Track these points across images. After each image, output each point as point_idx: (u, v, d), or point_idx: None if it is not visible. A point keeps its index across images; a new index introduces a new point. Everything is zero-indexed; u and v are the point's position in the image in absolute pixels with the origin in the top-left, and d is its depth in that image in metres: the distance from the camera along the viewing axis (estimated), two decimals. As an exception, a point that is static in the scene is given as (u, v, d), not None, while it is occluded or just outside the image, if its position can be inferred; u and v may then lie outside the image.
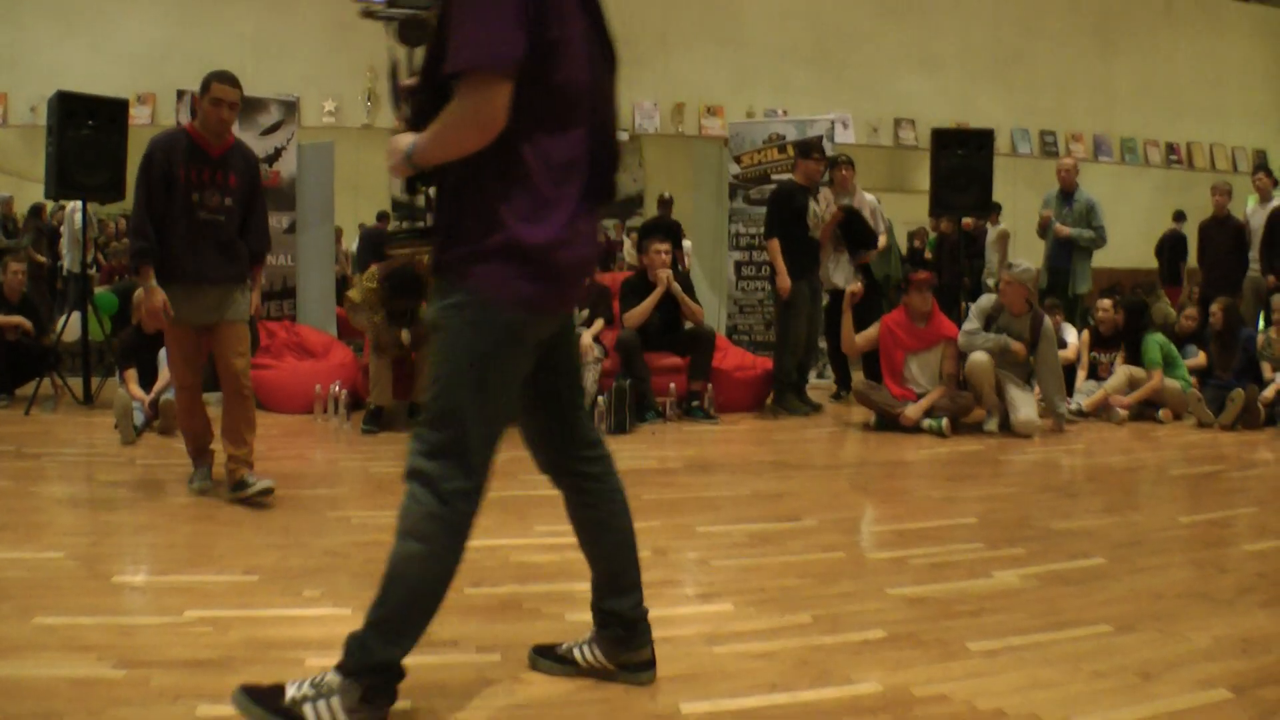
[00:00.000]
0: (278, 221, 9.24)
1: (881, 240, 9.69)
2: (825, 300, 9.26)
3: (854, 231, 9.27)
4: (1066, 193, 10.25)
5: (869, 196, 9.70)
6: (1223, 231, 10.87)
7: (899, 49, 14.46)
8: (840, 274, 9.28)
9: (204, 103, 5.29)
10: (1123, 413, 8.59)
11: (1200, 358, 9.27)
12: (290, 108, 9.80)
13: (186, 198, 5.21)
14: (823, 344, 9.98)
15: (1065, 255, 10.17)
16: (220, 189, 5.31)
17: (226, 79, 5.31)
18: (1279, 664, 3.24)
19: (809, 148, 9.34)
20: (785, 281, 8.63)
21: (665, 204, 12.70)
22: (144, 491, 5.60)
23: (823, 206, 9.13)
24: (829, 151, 10.18)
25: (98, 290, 10.13)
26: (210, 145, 5.30)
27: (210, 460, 5.58)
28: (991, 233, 11.77)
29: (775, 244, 8.73)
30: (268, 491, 5.16)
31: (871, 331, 8.33)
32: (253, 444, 5.37)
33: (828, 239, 9.13)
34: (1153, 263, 14.62)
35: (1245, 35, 17.05)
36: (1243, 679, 3.10)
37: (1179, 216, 14.41)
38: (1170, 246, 14.20)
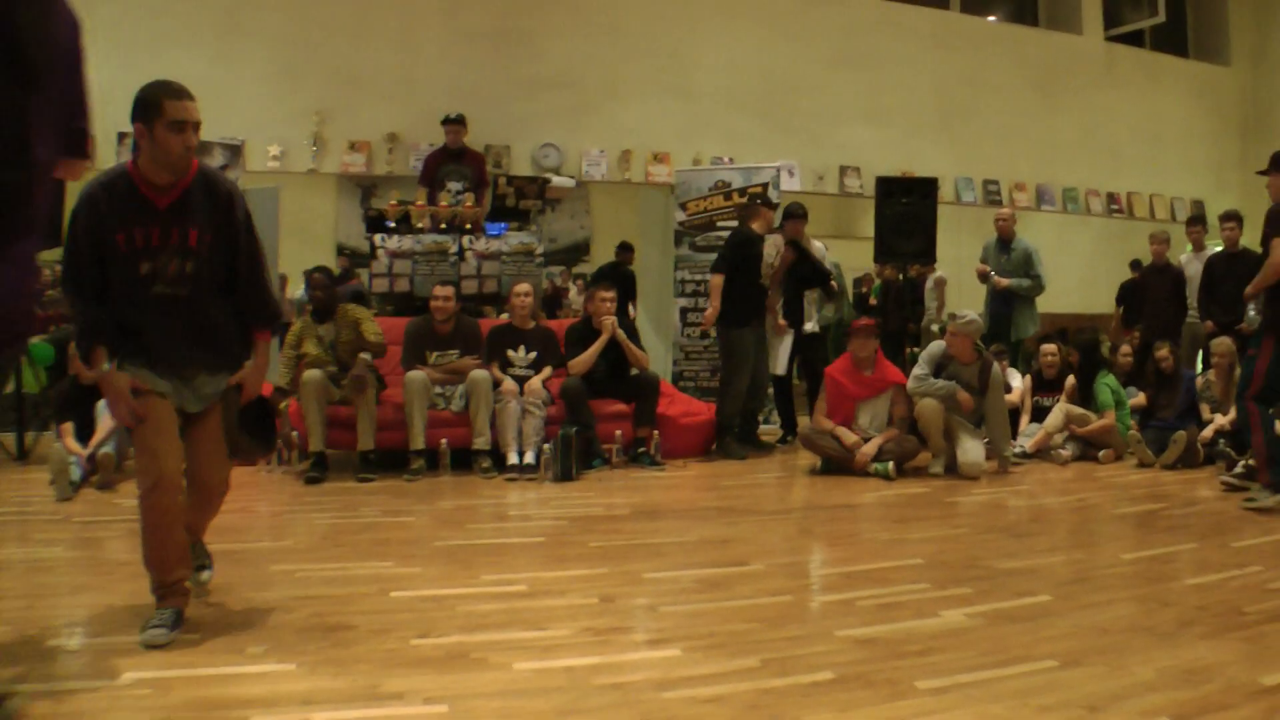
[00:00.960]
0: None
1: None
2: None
3: (803, 272, 9.36)
4: (1004, 241, 10.40)
5: (817, 244, 9.78)
6: (1162, 279, 11.06)
7: (845, 100, 14.61)
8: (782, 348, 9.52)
9: (157, 129, 3.94)
10: (1065, 454, 8.66)
11: (1140, 398, 9.38)
12: (235, 152, 9.76)
13: (132, 269, 3.86)
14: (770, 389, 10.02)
15: (1006, 302, 10.32)
16: (178, 252, 3.91)
17: (178, 92, 4.11)
18: (1220, 693, 3.28)
19: (767, 197, 9.46)
20: (711, 314, 8.78)
21: (624, 251, 12.75)
22: (81, 550, 5.45)
23: (772, 252, 9.22)
24: (775, 199, 10.28)
25: (32, 341, 9.96)
26: (157, 194, 3.90)
27: (182, 601, 3.98)
28: (929, 279, 11.88)
29: (719, 279, 8.82)
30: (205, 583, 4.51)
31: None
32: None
33: (777, 283, 9.21)
34: (1096, 308, 14.84)
35: (1183, 92, 17.44)
36: (1186, 709, 3.14)
37: (1136, 265, 14.69)
38: (1131, 293, 14.48)
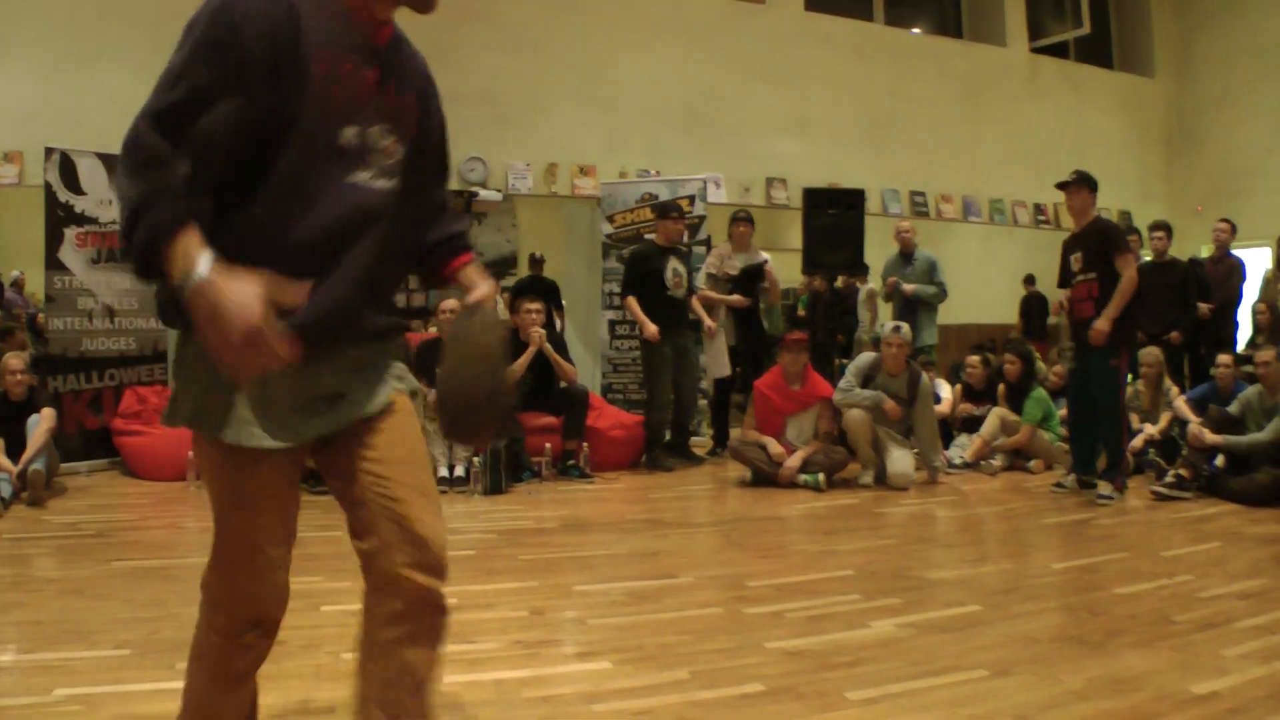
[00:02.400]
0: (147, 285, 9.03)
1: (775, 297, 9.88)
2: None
3: (749, 289, 9.42)
4: (906, 254, 10.54)
5: (763, 254, 9.81)
6: (1089, 290, 11.16)
7: (770, 112, 14.67)
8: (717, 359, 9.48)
9: None
10: (995, 464, 8.72)
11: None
12: (165, 169, 9.61)
13: (326, 133, 2.10)
14: (703, 401, 10.02)
15: (911, 311, 10.40)
16: (394, 120, 2.27)
17: None
18: (1149, 701, 3.30)
19: (667, 208, 9.42)
20: (650, 328, 8.74)
21: (537, 263, 12.68)
22: (10, 567, 5.33)
23: (715, 261, 9.27)
24: (700, 210, 10.29)
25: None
26: (373, 25, 2.22)
27: None
28: (861, 292, 11.94)
29: (631, 301, 8.90)
30: None
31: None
32: None
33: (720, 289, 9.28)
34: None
35: (1109, 103, 17.71)
36: (1115, 718, 3.16)
37: (1030, 280, 15.11)
38: (1032, 306, 14.88)
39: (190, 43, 1.97)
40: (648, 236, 10.12)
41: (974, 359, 9.50)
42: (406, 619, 2.29)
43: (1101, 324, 7.17)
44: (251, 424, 2.13)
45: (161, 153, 1.88)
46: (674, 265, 8.96)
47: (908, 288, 10.36)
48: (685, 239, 9.71)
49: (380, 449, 2.31)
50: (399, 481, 2.31)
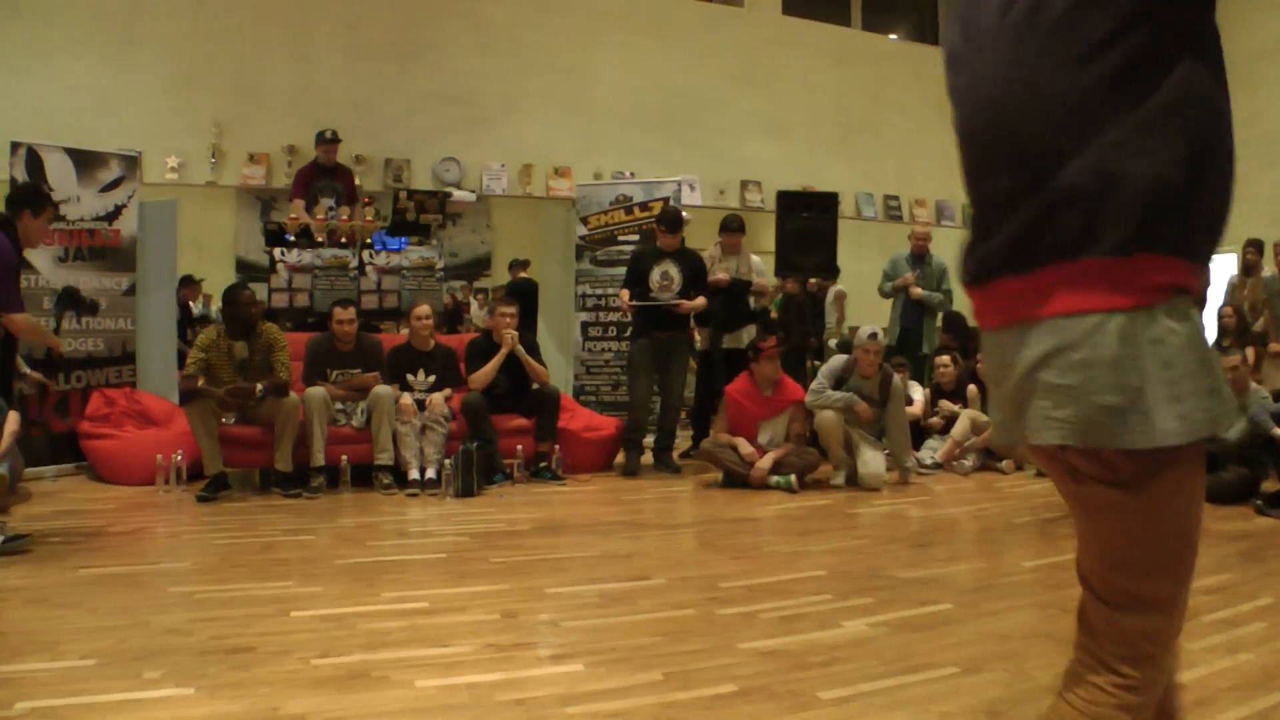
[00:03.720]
0: (116, 283, 8.97)
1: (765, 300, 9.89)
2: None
3: (731, 302, 9.41)
4: (918, 256, 10.53)
5: (755, 259, 9.83)
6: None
7: (746, 115, 14.72)
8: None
9: None
10: (967, 464, 8.76)
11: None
12: (131, 163, 9.49)
13: None
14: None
15: (917, 317, 10.44)
16: None
17: None
18: (1121, 698, 3.29)
19: (663, 216, 9.37)
20: (623, 295, 8.94)
21: (522, 265, 12.69)
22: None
23: (709, 265, 9.30)
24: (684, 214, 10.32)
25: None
26: None
27: None
28: (830, 293, 11.96)
29: (622, 293, 8.97)
30: None
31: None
32: None
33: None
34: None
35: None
36: (1087, 714, 3.14)
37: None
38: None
39: None
40: (628, 239, 10.14)
41: (943, 359, 9.53)
42: None
43: None
44: None
45: None
46: (664, 269, 8.89)
47: (916, 292, 10.38)
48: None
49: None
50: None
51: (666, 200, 10.49)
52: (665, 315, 8.87)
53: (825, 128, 15.24)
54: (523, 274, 12.63)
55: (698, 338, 9.61)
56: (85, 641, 3.95)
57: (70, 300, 7.53)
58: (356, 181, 10.90)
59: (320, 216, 9.73)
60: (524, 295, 10.78)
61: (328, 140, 10.28)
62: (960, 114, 1.96)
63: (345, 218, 9.69)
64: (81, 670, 3.64)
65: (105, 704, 3.31)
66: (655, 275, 8.85)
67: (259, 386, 7.53)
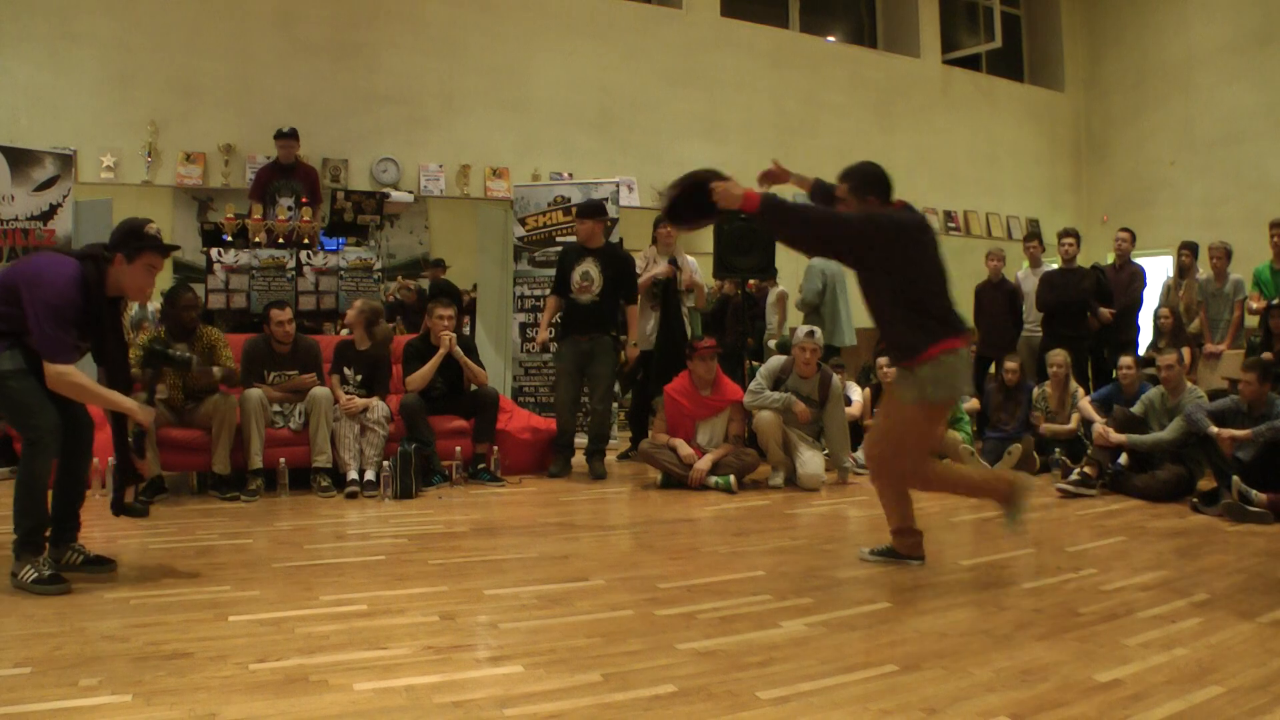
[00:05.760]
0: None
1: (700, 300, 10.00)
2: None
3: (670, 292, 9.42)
4: None
5: (690, 259, 9.83)
6: (997, 294, 11.31)
7: (683, 117, 14.75)
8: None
9: None
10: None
11: (973, 402, 9.71)
12: (66, 162, 9.36)
13: None
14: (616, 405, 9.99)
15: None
16: None
17: None
18: (1056, 691, 3.35)
19: (595, 210, 9.31)
20: (541, 335, 8.94)
21: (437, 264, 12.64)
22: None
23: (643, 265, 9.28)
24: (613, 214, 10.26)
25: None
26: None
27: None
28: (771, 294, 12.00)
29: (549, 301, 8.99)
30: None
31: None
32: None
33: (643, 294, 9.22)
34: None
35: (1019, 115, 18.10)
36: (1022, 707, 3.20)
37: None
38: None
39: None
40: (566, 239, 10.11)
41: (884, 360, 9.58)
42: None
43: None
44: None
45: None
46: (585, 268, 8.78)
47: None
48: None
49: None
50: None
51: (604, 200, 10.47)
52: (587, 317, 8.78)
53: (763, 129, 15.28)
54: (441, 275, 12.55)
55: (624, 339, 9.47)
56: (19, 649, 3.86)
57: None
58: (321, 180, 10.80)
59: (282, 218, 9.63)
60: (454, 296, 10.75)
61: (285, 135, 10.15)
62: None
63: (306, 219, 9.56)
64: (16, 679, 3.55)
65: (41, 712, 3.24)
66: (576, 276, 8.76)
67: (216, 370, 7.47)
